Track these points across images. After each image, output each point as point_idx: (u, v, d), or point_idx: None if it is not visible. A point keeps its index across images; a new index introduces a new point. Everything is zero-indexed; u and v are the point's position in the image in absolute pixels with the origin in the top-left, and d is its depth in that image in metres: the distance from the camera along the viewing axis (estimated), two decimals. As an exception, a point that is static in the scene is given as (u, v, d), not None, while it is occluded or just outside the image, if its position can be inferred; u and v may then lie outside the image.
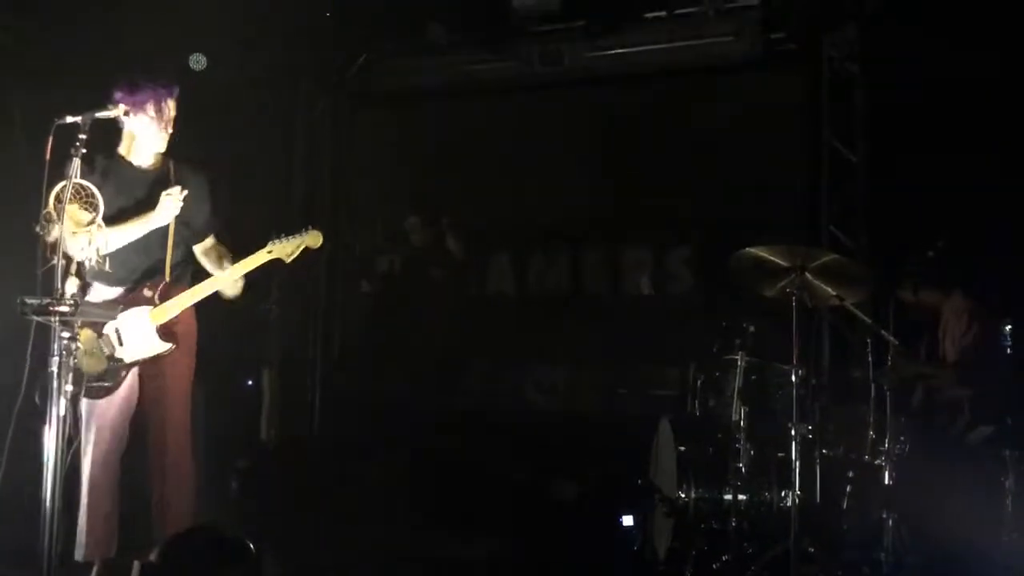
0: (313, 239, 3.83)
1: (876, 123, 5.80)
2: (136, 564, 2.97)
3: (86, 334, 3.50)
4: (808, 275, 4.00)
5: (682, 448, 4.37)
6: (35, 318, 3.10)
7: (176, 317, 3.75)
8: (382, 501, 5.55)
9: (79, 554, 3.72)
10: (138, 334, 3.70)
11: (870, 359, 4.04)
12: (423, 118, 7.03)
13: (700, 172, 6.12)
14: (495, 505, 5.55)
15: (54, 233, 3.36)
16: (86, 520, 3.73)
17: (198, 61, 5.82)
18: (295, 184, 7.15)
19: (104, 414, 3.74)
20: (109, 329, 3.68)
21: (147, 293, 3.73)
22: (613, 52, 6.31)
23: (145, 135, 3.80)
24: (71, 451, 3.14)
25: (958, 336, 4.48)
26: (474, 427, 6.30)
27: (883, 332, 4.17)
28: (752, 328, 4.32)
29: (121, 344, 3.69)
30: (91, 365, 3.61)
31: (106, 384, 3.69)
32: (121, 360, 3.69)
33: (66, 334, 3.09)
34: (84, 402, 3.70)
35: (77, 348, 3.14)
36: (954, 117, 5.20)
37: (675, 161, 6.17)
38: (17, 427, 3.28)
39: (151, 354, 3.71)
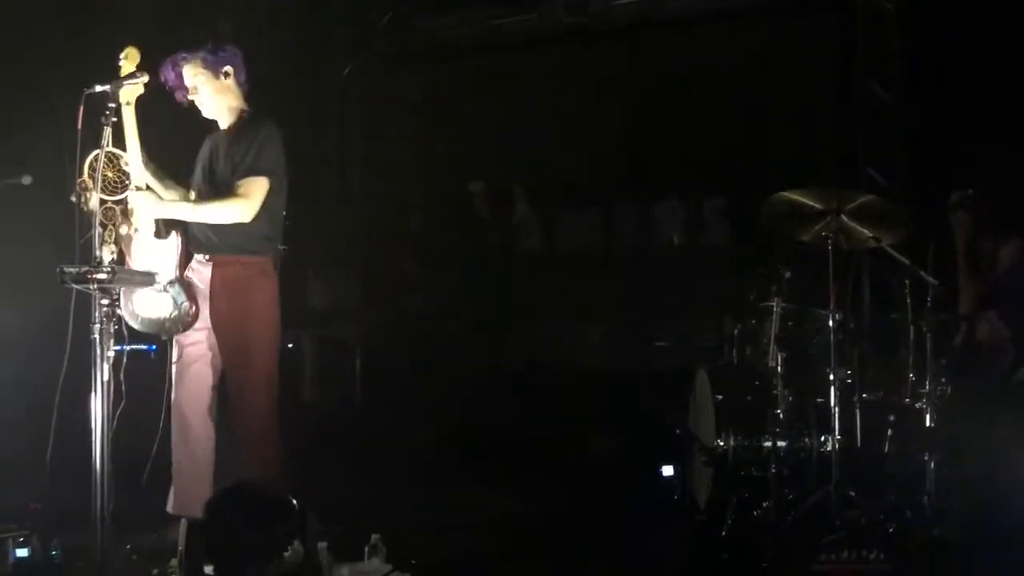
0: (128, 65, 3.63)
1: (911, 61, 5.67)
2: (183, 521, 3.04)
3: None
4: (844, 217, 3.95)
5: (720, 397, 4.36)
6: (74, 286, 3.15)
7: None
8: (424, 462, 5.62)
9: (169, 506, 3.81)
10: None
11: (909, 301, 3.98)
12: (450, 75, 6.99)
13: (731, 119, 6.03)
14: (536, 461, 5.60)
15: (92, 202, 3.42)
16: (177, 476, 3.83)
17: (224, 25, 5.83)
18: (326, 147, 7.17)
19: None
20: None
21: None
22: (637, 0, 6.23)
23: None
24: (116, 413, 3.21)
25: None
26: (513, 385, 6.34)
27: (922, 273, 4.10)
28: (788, 274, 4.27)
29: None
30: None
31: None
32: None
33: (105, 301, 3.15)
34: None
35: (116, 315, 3.21)
36: (992, 53, 5.06)
37: (706, 108, 6.09)
38: (64, 394, 3.37)
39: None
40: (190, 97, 3.84)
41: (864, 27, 5.81)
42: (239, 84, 3.90)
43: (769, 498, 4.01)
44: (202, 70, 3.80)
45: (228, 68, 3.85)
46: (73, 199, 3.41)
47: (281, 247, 3.91)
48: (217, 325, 3.74)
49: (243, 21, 5.65)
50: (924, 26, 5.52)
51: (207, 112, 3.88)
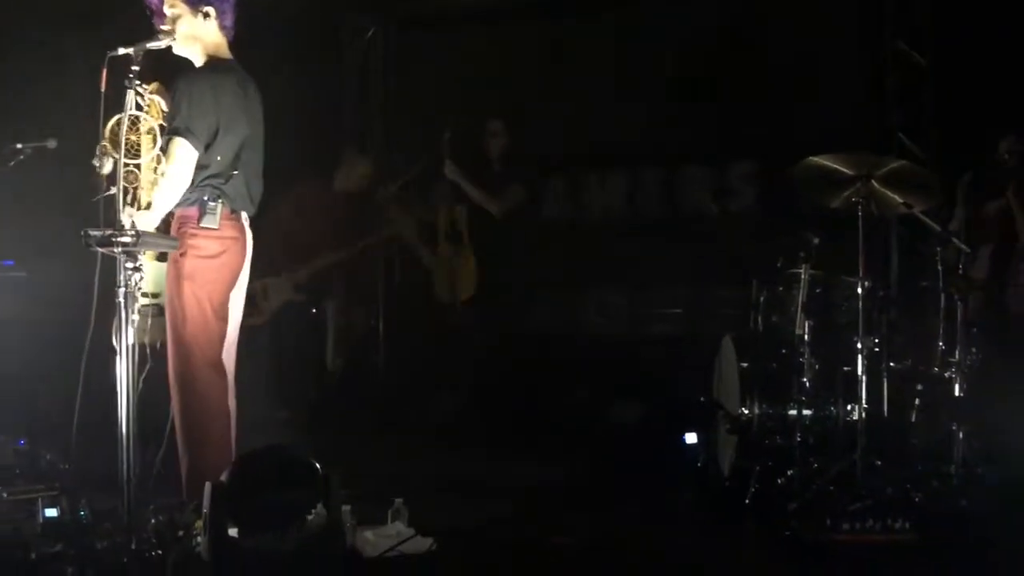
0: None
1: (945, 24, 5.53)
2: (208, 484, 3.06)
3: None
4: (874, 183, 3.88)
5: (745, 364, 4.33)
6: (99, 249, 3.15)
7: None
8: (447, 428, 5.64)
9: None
10: None
11: (940, 268, 3.92)
12: (471, 42, 6.91)
13: (759, 84, 5.92)
14: (559, 429, 5.60)
15: (107, 166, 3.41)
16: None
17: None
18: (346, 116, 7.13)
19: None
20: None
21: None
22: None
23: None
24: (142, 376, 3.23)
25: None
26: (538, 353, 6.33)
27: (954, 240, 4.03)
28: (816, 241, 4.22)
29: None
30: None
31: None
32: None
33: (130, 264, 3.15)
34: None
35: (141, 279, 3.21)
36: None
37: (733, 73, 5.98)
38: (91, 357, 3.39)
39: None
40: (164, 27, 3.55)
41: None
42: (222, 28, 3.68)
43: (793, 466, 3.98)
44: (180, 1, 3.57)
45: (209, 8, 3.61)
46: (94, 163, 3.40)
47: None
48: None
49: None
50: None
51: (177, 48, 3.62)
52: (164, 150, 3.49)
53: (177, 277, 3.57)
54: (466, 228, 5.96)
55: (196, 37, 3.64)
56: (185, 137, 3.47)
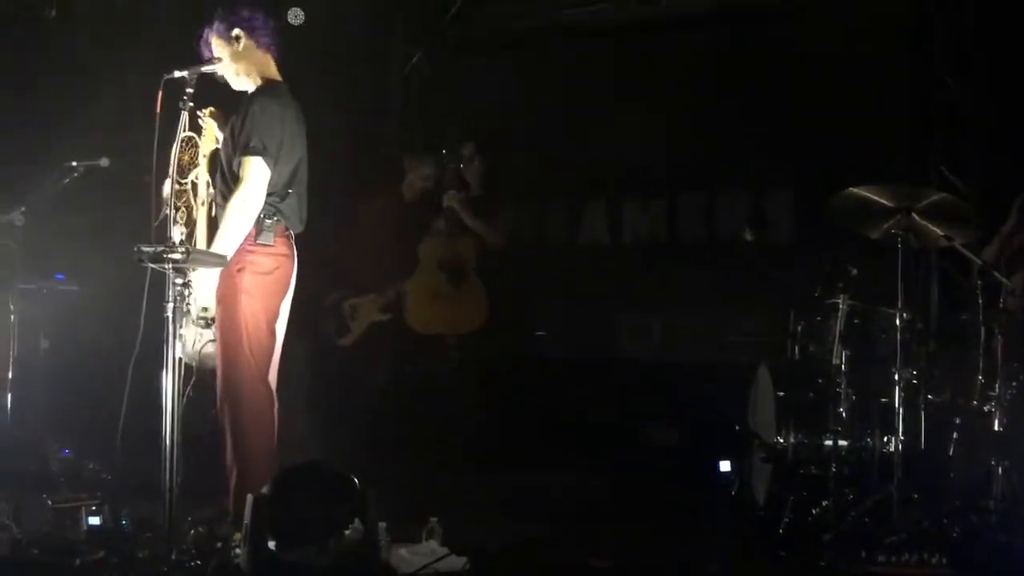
0: None
1: (990, 57, 5.51)
2: (249, 497, 3.12)
3: None
4: (915, 215, 3.88)
5: (781, 393, 4.32)
6: (150, 265, 3.24)
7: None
8: (486, 447, 5.66)
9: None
10: None
11: (980, 301, 3.90)
12: (518, 65, 6.99)
13: (800, 112, 5.93)
14: (595, 452, 5.60)
15: (166, 188, 3.52)
16: None
17: (296, 16, 5.90)
18: (388, 135, 7.23)
19: None
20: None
21: None
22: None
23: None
24: (187, 389, 3.31)
25: None
26: (573, 375, 6.34)
27: (995, 273, 4.01)
28: (855, 271, 4.21)
29: None
30: None
31: None
32: None
33: (179, 280, 3.24)
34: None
35: (190, 293, 3.30)
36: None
37: (774, 100, 5.99)
38: (138, 370, 3.48)
39: None
40: (218, 71, 3.67)
41: (941, 21, 5.66)
42: (261, 48, 3.72)
43: (828, 497, 3.96)
44: (216, 38, 3.66)
45: (237, 32, 3.66)
46: (148, 180, 3.49)
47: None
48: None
49: (310, 9, 5.72)
50: (1004, 21, 5.35)
51: (233, 84, 3.73)
52: (237, 170, 3.57)
53: (235, 292, 3.62)
54: (473, 262, 5.68)
55: (239, 62, 3.71)
56: (261, 156, 3.56)
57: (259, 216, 3.62)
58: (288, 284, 3.79)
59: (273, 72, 3.79)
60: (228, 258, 3.52)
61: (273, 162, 3.59)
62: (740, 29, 6.28)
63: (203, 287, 3.56)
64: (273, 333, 3.75)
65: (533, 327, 6.74)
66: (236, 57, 3.71)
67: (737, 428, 4.67)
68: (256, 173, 3.55)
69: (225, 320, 3.63)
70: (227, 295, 3.63)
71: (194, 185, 3.68)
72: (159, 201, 3.51)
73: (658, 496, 4.83)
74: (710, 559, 3.82)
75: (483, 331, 5.79)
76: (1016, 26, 5.25)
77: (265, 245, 3.64)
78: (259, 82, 3.74)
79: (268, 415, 3.71)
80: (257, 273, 3.64)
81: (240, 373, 3.63)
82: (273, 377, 3.81)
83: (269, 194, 3.63)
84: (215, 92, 3.79)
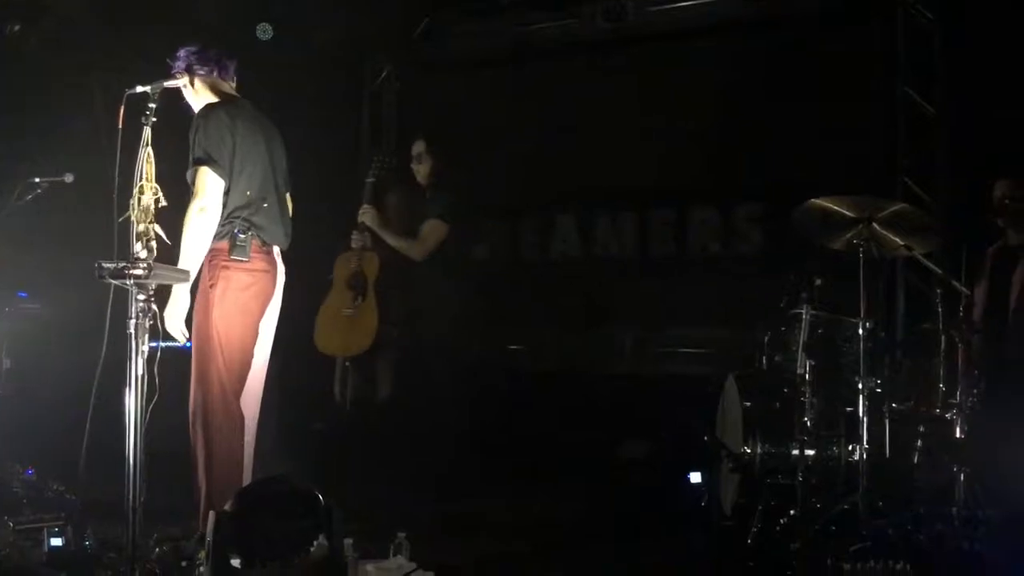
0: None
1: (954, 73, 5.60)
2: (212, 513, 3.09)
3: None
4: (876, 225, 3.93)
5: (748, 404, 4.34)
6: (112, 281, 3.21)
7: None
8: (451, 463, 5.63)
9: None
10: None
11: (940, 310, 3.95)
12: (487, 81, 7.03)
13: (770, 128, 5.99)
14: (564, 466, 5.60)
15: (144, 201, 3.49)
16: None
17: (265, 31, 5.89)
18: (361, 155, 7.23)
19: None
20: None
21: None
22: (677, 6, 6.22)
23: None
24: (150, 407, 3.27)
25: None
26: (542, 389, 6.34)
27: (954, 282, 4.06)
28: (819, 281, 4.25)
29: None
30: None
31: None
32: None
33: (141, 296, 3.21)
34: None
35: (152, 311, 3.27)
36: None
37: (744, 116, 6.06)
38: (101, 388, 3.44)
39: None
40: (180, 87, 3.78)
41: (906, 37, 5.76)
42: (204, 78, 3.80)
43: (796, 506, 3.99)
44: (172, 85, 3.70)
45: (178, 75, 3.76)
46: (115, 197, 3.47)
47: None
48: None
49: (279, 23, 5.72)
50: (967, 38, 5.46)
51: (194, 107, 3.80)
52: (191, 183, 3.57)
53: (206, 308, 3.61)
54: (374, 279, 5.41)
55: (196, 101, 3.79)
56: (207, 165, 3.56)
57: (232, 231, 3.61)
58: (266, 300, 3.76)
59: (227, 89, 3.84)
60: (190, 273, 3.50)
61: (226, 172, 3.59)
62: (709, 44, 6.35)
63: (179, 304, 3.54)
64: (248, 351, 3.72)
65: (504, 341, 6.75)
66: (191, 95, 3.81)
67: (705, 439, 4.69)
68: (205, 183, 3.56)
69: (197, 337, 3.61)
70: (199, 311, 3.62)
71: (156, 201, 3.63)
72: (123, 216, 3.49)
73: (629, 508, 4.83)
74: (680, 570, 3.84)
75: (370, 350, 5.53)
76: (979, 41, 5.34)
77: (240, 260, 3.62)
78: (216, 98, 3.78)
79: (238, 434, 3.67)
80: (232, 289, 3.62)
81: (210, 391, 3.60)
82: (256, 394, 3.79)
83: (241, 207, 3.62)
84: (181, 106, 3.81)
